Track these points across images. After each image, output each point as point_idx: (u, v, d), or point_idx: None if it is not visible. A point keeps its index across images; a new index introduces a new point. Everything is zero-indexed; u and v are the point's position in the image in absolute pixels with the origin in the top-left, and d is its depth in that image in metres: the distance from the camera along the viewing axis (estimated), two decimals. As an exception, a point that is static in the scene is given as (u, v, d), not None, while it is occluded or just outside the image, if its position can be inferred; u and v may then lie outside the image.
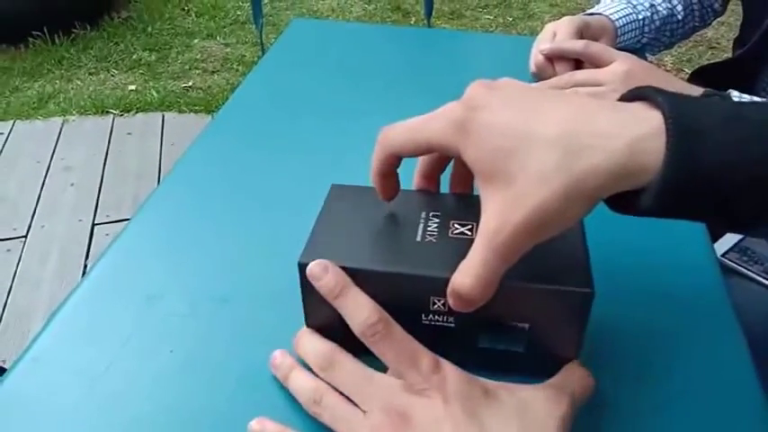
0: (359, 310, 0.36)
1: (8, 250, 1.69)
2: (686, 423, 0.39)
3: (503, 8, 3.05)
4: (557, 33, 0.71)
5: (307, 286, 0.39)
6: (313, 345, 0.39)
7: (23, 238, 1.73)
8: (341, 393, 0.36)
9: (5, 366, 0.93)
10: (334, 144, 0.64)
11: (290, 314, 0.41)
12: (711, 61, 0.92)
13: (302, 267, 0.38)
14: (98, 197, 1.88)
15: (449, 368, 0.35)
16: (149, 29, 2.84)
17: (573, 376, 0.37)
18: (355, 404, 0.35)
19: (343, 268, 0.38)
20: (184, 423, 0.39)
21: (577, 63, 0.70)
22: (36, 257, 1.67)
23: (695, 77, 0.85)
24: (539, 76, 0.72)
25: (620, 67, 0.61)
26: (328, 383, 0.37)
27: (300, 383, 0.38)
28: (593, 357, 0.40)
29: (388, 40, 0.92)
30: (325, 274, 0.37)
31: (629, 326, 0.45)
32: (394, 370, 0.36)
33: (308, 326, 0.41)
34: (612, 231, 0.49)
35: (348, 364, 0.37)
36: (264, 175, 0.61)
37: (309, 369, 0.39)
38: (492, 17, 2.99)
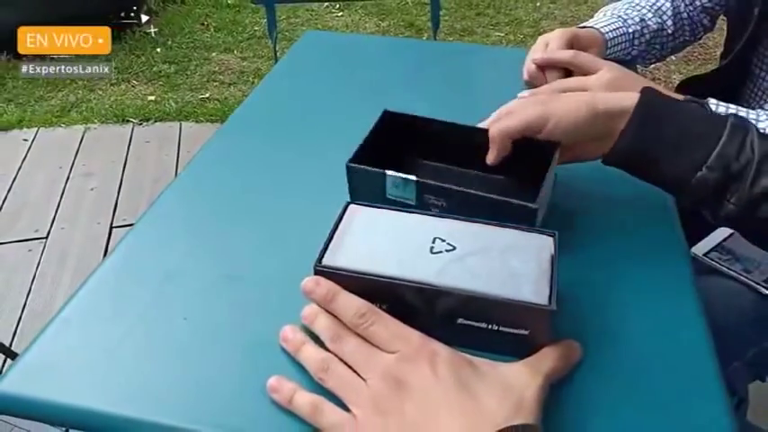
0: (349, 305, 0.42)
1: (29, 250, 1.76)
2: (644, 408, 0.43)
3: (514, 26, 3.11)
4: (549, 44, 0.76)
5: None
6: (326, 319, 0.43)
7: (44, 240, 1.80)
8: (345, 365, 0.41)
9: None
10: (338, 149, 0.69)
11: (295, 294, 0.46)
12: (696, 73, 0.96)
13: (318, 273, 0.44)
14: (116, 202, 1.95)
15: (437, 343, 0.41)
16: (170, 42, 2.93)
17: (547, 357, 0.42)
18: (358, 374, 0.40)
19: (360, 277, 0.43)
20: (198, 386, 0.44)
21: (567, 72, 0.74)
22: (56, 258, 1.73)
23: (682, 88, 0.89)
24: (531, 84, 0.76)
25: (606, 75, 0.66)
26: (334, 355, 0.41)
27: (310, 353, 0.42)
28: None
29: (397, 52, 0.97)
30: (317, 287, 0.43)
31: (602, 317, 0.49)
32: (388, 348, 0.41)
33: None
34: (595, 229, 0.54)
35: (353, 339, 0.41)
36: (272, 174, 0.66)
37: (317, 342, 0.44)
38: (503, 34, 3.04)
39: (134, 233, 0.58)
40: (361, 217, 0.48)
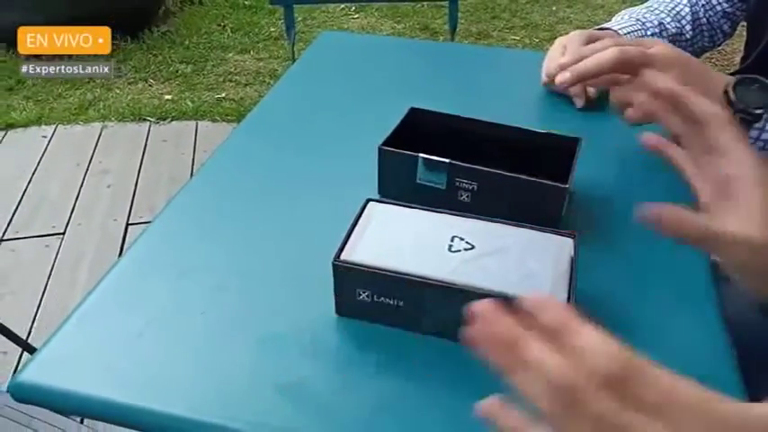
0: (602, 349, 0.29)
1: (46, 246, 1.78)
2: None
3: (529, 30, 3.10)
4: (567, 47, 0.76)
5: (339, 281, 0.44)
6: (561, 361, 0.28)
7: (61, 235, 1.82)
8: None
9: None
10: (353, 149, 0.70)
11: (307, 290, 0.46)
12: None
13: (336, 267, 0.44)
14: (132, 199, 1.97)
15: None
16: (187, 42, 2.95)
17: None
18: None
19: (378, 272, 0.43)
20: (212, 379, 0.44)
21: None
22: (72, 253, 1.75)
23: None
24: (550, 87, 0.76)
25: (662, 50, 0.58)
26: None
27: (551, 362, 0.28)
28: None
29: (414, 53, 0.97)
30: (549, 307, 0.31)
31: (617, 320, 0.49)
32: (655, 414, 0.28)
33: (339, 313, 0.47)
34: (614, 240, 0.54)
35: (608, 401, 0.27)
36: (288, 173, 0.66)
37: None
38: (518, 38, 3.04)
39: (152, 230, 0.59)
40: (381, 214, 0.49)
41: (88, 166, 2.12)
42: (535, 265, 0.44)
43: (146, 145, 2.24)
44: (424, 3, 3.11)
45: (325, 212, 0.51)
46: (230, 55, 2.88)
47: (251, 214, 0.60)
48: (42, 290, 1.62)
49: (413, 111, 0.61)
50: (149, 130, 2.33)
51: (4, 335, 1.25)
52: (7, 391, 0.44)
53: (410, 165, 0.56)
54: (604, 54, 0.58)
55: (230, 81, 2.68)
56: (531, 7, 3.32)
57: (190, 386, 0.44)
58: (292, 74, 0.88)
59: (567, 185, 0.52)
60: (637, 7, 0.88)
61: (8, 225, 1.86)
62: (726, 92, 0.60)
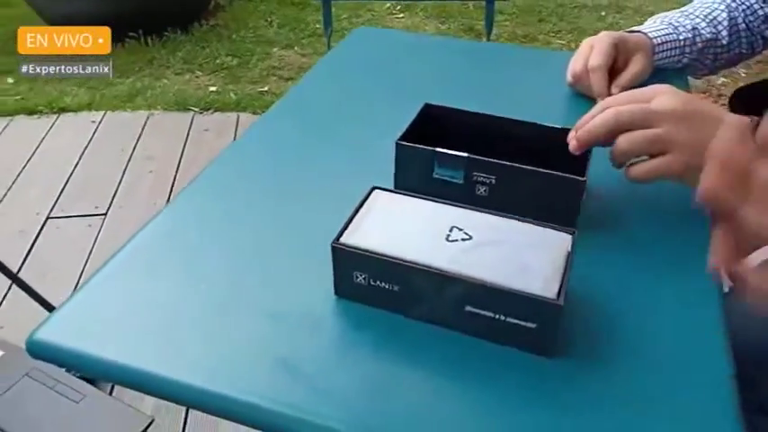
0: None
1: (89, 225, 1.86)
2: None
3: (576, 34, 3.06)
4: (593, 47, 0.76)
5: (337, 263, 0.47)
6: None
7: (103, 216, 1.90)
8: None
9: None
10: (370, 140, 0.71)
11: (314, 269, 0.48)
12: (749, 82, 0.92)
13: (334, 249, 0.46)
14: (173, 184, 2.04)
15: None
16: (234, 36, 3.03)
17: None
18: None
19: (373, 256, 0.44)
20: (220, 349, 0.46)
21: (612, 76, 0.74)
22: (113, 234, 1.82)
23: (735, 98, 0.86)
24: (575, 88, 0.76)
25: (666, 102, 0.55)
26: None
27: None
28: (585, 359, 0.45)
29: (446, 51, 0.98)
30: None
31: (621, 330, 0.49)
32: None
33: (337, 294, 0.48)
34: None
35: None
36: (304, 159, 0.68)
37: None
38: (564, 42, 3.00)
39: (174, 205, 0.61)
40: (384, 202, 0.50)
41: (132, 152, 2.21)
42: (531, 258, 0.44)
43: (188, 134, 2.31)
44: (470, 4, 3.10)
45: (338, 200, 0.52)
46: (275, 50, 2.94)
47: (267, 198, 0.62)
48: (82, 267, 1.69)
49: (427, 106, 0.62)
50: (192, 120, 2.40)
51: (32, 296, 1.31)
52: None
53: (427, 159, 0.56)
54: (602, 118, 0.55)
55: (273, 75, 2.73)
56: (579, 12, 3.28)
57: (194, 355, 0.46)
58: (321, 66, 0.90)
59: (584, 178, 0.52)
60: (671, 12, 0.87)
61: (55, 203, 1.95)
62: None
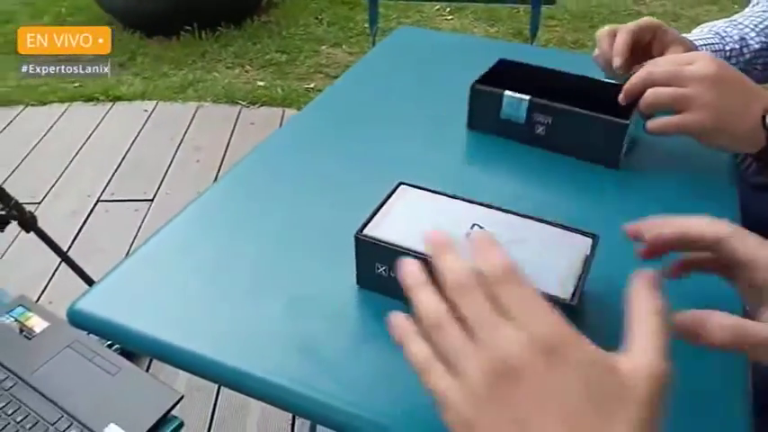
0: (497, 258, 0.34)
1: (136, 210, 1.93)
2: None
3: (628, 42, 2.99)
4: (618, 32, 0.73)
5: (360, 254, 0.48)
6: (460, 261, 0.34)
7: (150, 202, 1.97)
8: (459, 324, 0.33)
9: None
10: (400, 138, 0.72)
11: (340, 258, 0.49)
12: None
13: (357, 240, 0.47)
14: (217, 174, 2.09)
15: (578, 337, 0.32)
16: (284, 33, 3.09)
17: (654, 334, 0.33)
18: (472, 334, 0.32)
19: (394, 248, 0.46)
20: (241, 327, 0.49)
21: (645, 51, 0.72)
22: (158, 219, 1.89)
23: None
24: (602, 64, 0.74)
25: (704, 70, 0.59)
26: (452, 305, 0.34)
27: (428, 300, 0.34)
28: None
29: (486, 52, 0.98)
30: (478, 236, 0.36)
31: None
32: (518, 317, 0.32)
33: (359, 285, 0.50)
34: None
35: (482, 297, 0.33)
36: (337, 152, 0.70)
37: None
38: (615, 50, 2.94)
39: (212, 192, 0.64)
40: (409, 197, 0.51)
41: (181, 141, 2.28)
42: (549, 259, 0.44)
43: (235, 126, 2.37)
44: (520, 8, 3.07)
45: (366, 195, 0.54)
46: (323, 47, 2.98)
47: (298, 191, 0.64)
48: (127, 249, 1.76)
49: (501, 61, 0.73)
50: (240, 113, 2.46)
51: (78, 274, 1.38)
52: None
53: (496, 101, 0.67)
54: (638, 76, 0.62)
55: (320, 72, 2.77)
56: (633, 20, 3.20)
57: (221, 333, 0.48)
58: (362, 64, 0.92)
59: (627, 122, 0.62)
60: (720, 21, 0.85)
61: (105, 187, 2.03)
62: (764, 117, 0.57)
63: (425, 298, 0.35)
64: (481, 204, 0.50)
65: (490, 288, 0.33)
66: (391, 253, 0.46)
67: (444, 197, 0.51)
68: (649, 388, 0.30)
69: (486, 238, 0.35)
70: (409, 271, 0.36)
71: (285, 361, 0.45)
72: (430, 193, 0.52)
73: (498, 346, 0.31)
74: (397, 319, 0.36)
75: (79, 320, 0.50)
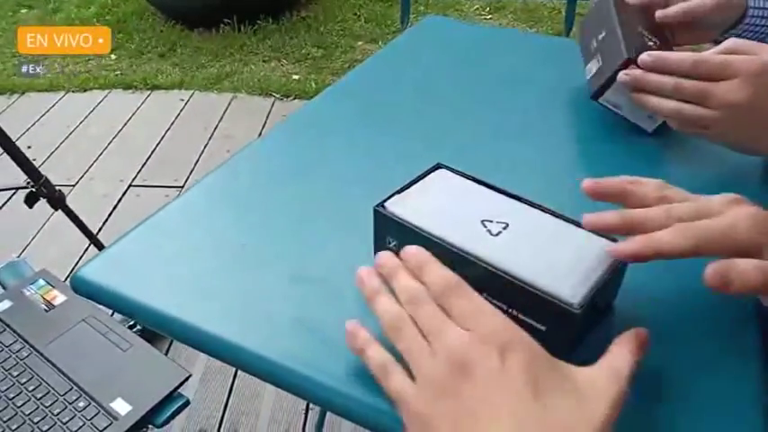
0: (439, 274, 0.38)
1: (166, 196, 1.96)
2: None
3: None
4: None
5: (379, 231, 0.47)
6: (408, 279, 0.39)
7: (180, 188, 2.00)
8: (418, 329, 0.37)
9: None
10: (417, 127, 0.70)
11: (353, 242, 0.48)
12: None
13: (376, 213, 0.46)
14: (246, 165, 2.12)
15: (520, 332, 0.35)
16: (321, 28, 3.10)
17: (623, 356, 0.37)
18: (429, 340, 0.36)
19: (406, 225, 0.44)
20: (244, 302, 0.48)
21: (651, 10, 0.69)
22: (186, 206, 1.92)
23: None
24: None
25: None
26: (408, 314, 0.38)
27: (385, 306, 0.38)
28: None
29: (514, 44, 0.96)
30: (410, 253, 0.40)
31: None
32: (465, 324, 0.36)
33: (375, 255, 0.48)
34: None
35: (431, 305, 0.37)
36: (358, 140, 0.69)
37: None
38: (657, 54, 2.86)
39: (227, 165, 0.64)
40: (442, 179, 0.49)
41: (214, 131, 2.31)
42: (568, 259, 0.41)
43: (267, 118, 2.39)
44: (561, 9, 3.02)
45: (379, 177, 0.52)
46: (359, 43, 2.98)
47: (314, 166, 0.63)
48: (155, 234, 1.79)
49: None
50: (273, 105, 2.48)
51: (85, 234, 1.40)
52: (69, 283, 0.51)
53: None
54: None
55: (354, 68, 2.78)
56: (678, 23, 3.12)
57: (224, 307, 0.48)
58: (387, 50, 0.90)
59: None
60: None
61: (138, 173, 2.07)
62: None
63: (383, 306, 0.38)
64: (514, 197, 0.47)
65: (439, 300, 0.37)
66: (400, 228, 0.44)
67: (477, 185, 0.49)
68: (596, 395, 0.34)
69: (422, 256, 0.39)
70: (363, 282, 0.40)
71: (289, 340, 0.44)
72: (464, 179, 0.49)
73: (449, 345, 0.34)
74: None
75: (83, 288, 0.50)
